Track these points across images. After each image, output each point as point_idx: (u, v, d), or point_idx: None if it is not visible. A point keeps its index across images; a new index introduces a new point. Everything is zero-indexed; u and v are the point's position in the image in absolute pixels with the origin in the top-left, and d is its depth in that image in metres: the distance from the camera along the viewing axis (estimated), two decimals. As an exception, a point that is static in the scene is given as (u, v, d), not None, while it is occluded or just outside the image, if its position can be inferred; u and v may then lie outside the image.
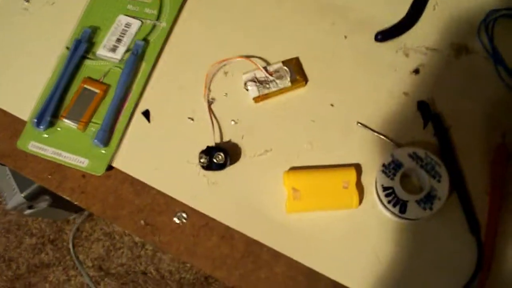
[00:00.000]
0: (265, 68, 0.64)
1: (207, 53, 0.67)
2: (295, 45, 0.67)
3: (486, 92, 0.63)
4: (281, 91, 0.63)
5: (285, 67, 0.64)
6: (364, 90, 0.64)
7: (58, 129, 0.65)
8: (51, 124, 0.64)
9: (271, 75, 0.63)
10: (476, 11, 0.67)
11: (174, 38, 0.69)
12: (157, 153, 0.63)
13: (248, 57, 0.65)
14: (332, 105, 0.64)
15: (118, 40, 0.68)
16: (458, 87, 0.64)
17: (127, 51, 0.68)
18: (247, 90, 0.63)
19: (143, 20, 0.70)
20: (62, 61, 0.67)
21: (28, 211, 1.29)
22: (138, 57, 0.67)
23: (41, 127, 0.63)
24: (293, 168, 0.61)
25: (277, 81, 0.63)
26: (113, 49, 0.68)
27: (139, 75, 0.67)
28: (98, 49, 0.68)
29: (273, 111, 0.64)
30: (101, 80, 0.67)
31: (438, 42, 0.67)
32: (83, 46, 0.67)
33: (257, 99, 0.63)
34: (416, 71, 0.65)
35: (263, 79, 0.63)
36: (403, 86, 0.65)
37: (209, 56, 0.66)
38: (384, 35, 0.66)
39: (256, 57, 0.66)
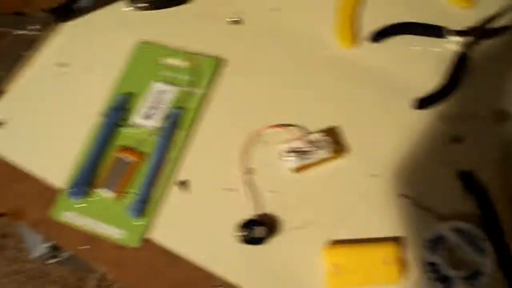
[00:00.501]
0: (304, 137, 0.63)
1: (245, 120, 0.67)
2: (334, 113, 0.66)
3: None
4: (321, 161, 0.62)
5: (325, 137, 0.63)
6: (405, 160, 0.63)
7: (93, 199, 0.63)
8: (86, 194, 0.63)
9: (310, 145, 0.62)
10: (515, 74, 0.66)
11: (211, 105, 0.68)
12: (194, 225, 0.62)
13: (286, 125, 0.65)
14: (372, 175, 0.63)
15: (154, 108, 0.67)
16: (500, 155, 0.63)
17: (163, 118, 0.66)
18: (286, 160, 0.62)
19: (179, 87, 0.69)
20: (97, 129, 0.66)
21: (51, 261, 1.28)
22: (175, 125, 0.66)
23: (77, 197, 0.62)
24: (334, 242, 0.59)
25: (317, 151, 0.62)
26: (149, 117, 0.67)
27: (176, 144, 0.65)
28: (133, 117, 0.67)
29: (312, 182, 0.63)
30: (136, 149, 0.65)
31: (478, 108, 0.66)
32: (119, 113, 0.67)
33: (296, 170, 0.62)
34: (456, 140, 0.64)
35: (302, 149, 0.62)
36: (443, 155, 0.64)
37: (247, 123, 0.66)
38: (423, 103, 0.66)
39: (295, 125, 0.65)
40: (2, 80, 0.70)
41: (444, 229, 0.58)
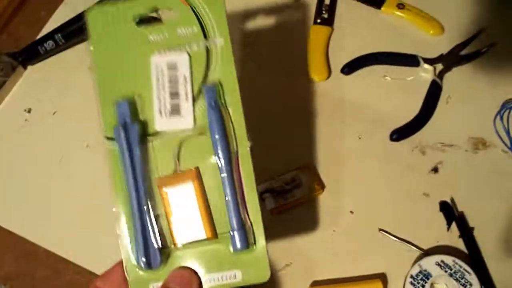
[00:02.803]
0: (280, 176, 0.61)
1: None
2: (309, 150, 0.65)
3: (508, 188, 0.62)
4: (299, 200, 0.61)
5: (302, 175, 0.61)
6: (383, 193, 0.63)
7: (178, 254, 0.42)
8: (165, 254, 0.42)
9: (287, 184, 0.61)
10: (490, 102, 0.66)
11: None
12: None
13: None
14: (351, 212, 0.62)
15: (174, 94, 0.43)
16: (479, 184, 0.62)
17: (194, 101, 0.43)
18: (263, 200, 0.61)
19: (187, 48, 0.43)
20: (115, 161, 0.42)
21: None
22: (219, 106, 0.42)
23: (155, 265, 0.41)
24: (316, 283, 0.58)
25: (294, 190, 0.61)
26: (176, 111, 0.43)
27: (234, 127, 0.43)
28: (155, 121, 0.43)
29: (291, 222, 0.61)
30: (178, 169, 0.43)
31: (455, 137, 0.65)
32: (134, 128, 0.42)
33: (274, 211, 0.60)
34: (435, 170, 0.63)
35: (279, 189, 0.61)
36: (422, 186, 0.63)
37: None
38: (399, 134, 0.65)
39: (269, 164, 0.64)
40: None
41: (428, 263, 0.57)
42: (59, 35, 0.70)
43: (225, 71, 0.43)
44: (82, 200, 0.64)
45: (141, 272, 0.42)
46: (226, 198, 0.42)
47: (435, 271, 0.57)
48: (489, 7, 0.73)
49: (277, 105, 0.69)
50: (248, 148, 0.42)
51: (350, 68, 0.69)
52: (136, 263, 0.41)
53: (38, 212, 0.64)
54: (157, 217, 0.42)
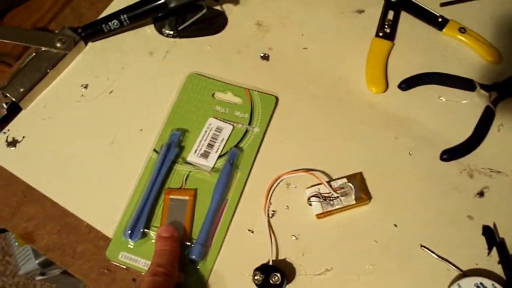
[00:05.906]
0: (329, 183, 0.62)
1: (271, 163, 0.66)
2: (359, 159, 0.66)
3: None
4: (344, 208, 0.61)
5: (350, 184, 0.62)
6: (428, 211, 0.63)
7: (152, 240, 0.61)
8: (144, 235, 0.61)
9: (335, 191, 0.61)
10: (541, 134, 0.67)
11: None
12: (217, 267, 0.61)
13: (311, 170, 0.64)
14: (395, 225, 0.62)
15: (210, 145, 0.66)
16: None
17: (219, 157, 0.65)
18: (310, 205, 0.61)
19: (234, 124, 0.67)
20: (150, 166, 0.65)
21: (39, 277, 1.25)
22: (233, 165, 0.64)
23: (134, 238, 0.60)
24: (354, 292, 0.58)
25: (342, 198, 0.61)
26: (205, 155, 0.65)
27: (235, 185, 0.64)
28: (189, 155, 0.65)
29: (335, 228, 0.62)
30: (183, 186, 0.64)
31: (503, 164, 0.66)
32: (174, 151, 0.65)
33: (320, 216, 0.61)
34: (481, 194, 0.64)
35: (327, 195, 0.61)
36: (467, 208, 0.63)
37: (272, 166, 0.66)
38: (450, 155, 0.65)
39: (319, 170, 0.65)
40: (23, 97, 0.69)
41: (467, 284, 0.57)
42: (125, 16, 0.71)
43: (250, 148, 0.66)
44: (129, 183, 0.65)
45: (123, 238, 0.61)
46: (204, 222, 0.61)
47: (473, 293, 0.57)
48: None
49: (332, 112, 0.70)
50: (236, 204, 0.63)
51: (407, 84, 0.70)
52: (123, 232, 0.60)
53: (85, 188, 0.65)
54: (154, 210, 0.62)
